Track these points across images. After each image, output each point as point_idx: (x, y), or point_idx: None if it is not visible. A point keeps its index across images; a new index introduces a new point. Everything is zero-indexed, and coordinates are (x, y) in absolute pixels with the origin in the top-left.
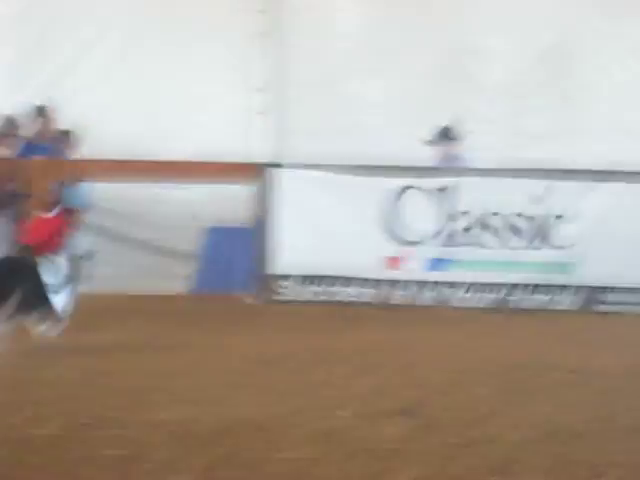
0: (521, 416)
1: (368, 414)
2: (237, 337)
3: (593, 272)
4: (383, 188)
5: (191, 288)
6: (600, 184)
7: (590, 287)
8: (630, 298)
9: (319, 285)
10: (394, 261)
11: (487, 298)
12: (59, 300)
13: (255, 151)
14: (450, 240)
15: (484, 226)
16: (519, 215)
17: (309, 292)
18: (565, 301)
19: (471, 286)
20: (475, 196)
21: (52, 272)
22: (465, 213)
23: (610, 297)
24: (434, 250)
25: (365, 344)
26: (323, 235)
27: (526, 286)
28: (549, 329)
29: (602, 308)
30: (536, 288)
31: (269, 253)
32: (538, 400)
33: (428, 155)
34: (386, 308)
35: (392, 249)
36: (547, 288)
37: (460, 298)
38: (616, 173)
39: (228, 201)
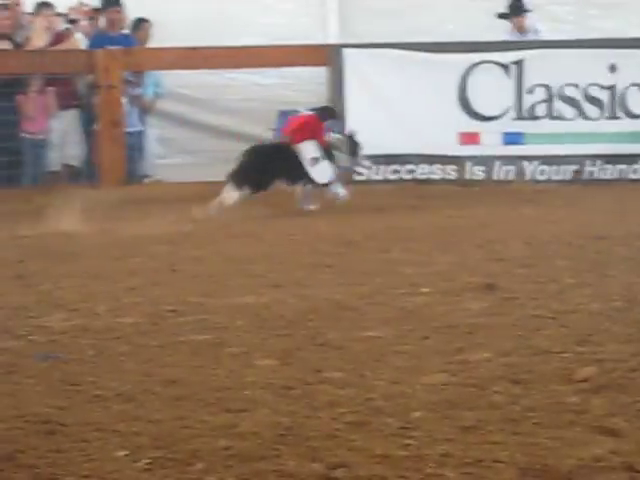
0: (603, 286)
1: (450, 290)
2: (315, 219)
3: None
4: (457, 64)
5: None
6: None
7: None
8: None
9: (396, 164)
10: (470, 137)
11: (565, 170)
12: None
13: (326, 33)
14: (526, 113)
15: (560, 98)
16: (596, 85)
17: (386, 171)
18: None
19: (549, 159)
20: (550, 68)
21: None
22: (541, 85)
23: None
24: (511, 124)
25: (443, 221)
26: (397, 114)
27: (604, 156)
28: (628, 199)
29: None
30: (614, 158)
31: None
32: (619, 269)
33: (501, 29)
34: (463, 184)
35: (468, 125)
36: (625, 157)
37: (538, 171)
38: None
39: (300, 84)
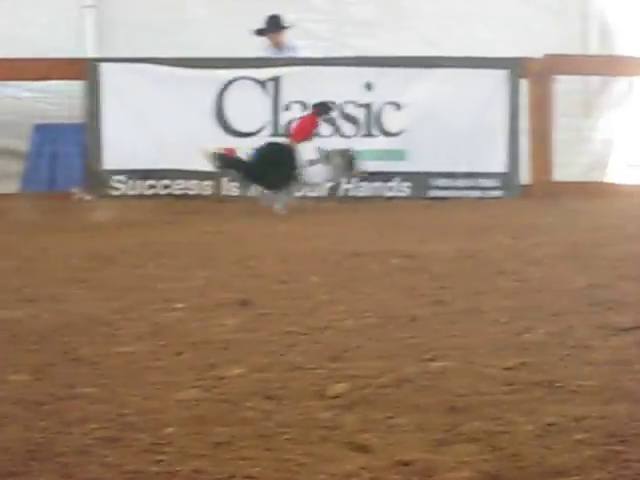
0: (357, 302)
1: (204, 306)
2: (71, 234)
3: (425, 158)
4: (213, 80)
5: (22, 187)
6: (428, 70)
7: (421, 173)
8: (459, 183)
9: (151, 179)
10: (227, 153)
11: (321, 187)
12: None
13: (83, 47)
14: (283, 130)
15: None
16: (352, 103)
17: (142, 186)
18: (397, 188)
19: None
20: (307, 85)
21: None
22: (297, 102)
23: (441, 183)
24: (267, 141)
25: (199, 236)
26: (154, 129)
27: (364, 174)
28: (383, 216)
29: (433, 194)
30: (370, 176)
31: (100, 149)
32: (373, 286)
33: (256, 46)
34: (219, 200)
35: (224, 141)
36: (380, 175)
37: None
38: (443, 59)
39: (57, 98)
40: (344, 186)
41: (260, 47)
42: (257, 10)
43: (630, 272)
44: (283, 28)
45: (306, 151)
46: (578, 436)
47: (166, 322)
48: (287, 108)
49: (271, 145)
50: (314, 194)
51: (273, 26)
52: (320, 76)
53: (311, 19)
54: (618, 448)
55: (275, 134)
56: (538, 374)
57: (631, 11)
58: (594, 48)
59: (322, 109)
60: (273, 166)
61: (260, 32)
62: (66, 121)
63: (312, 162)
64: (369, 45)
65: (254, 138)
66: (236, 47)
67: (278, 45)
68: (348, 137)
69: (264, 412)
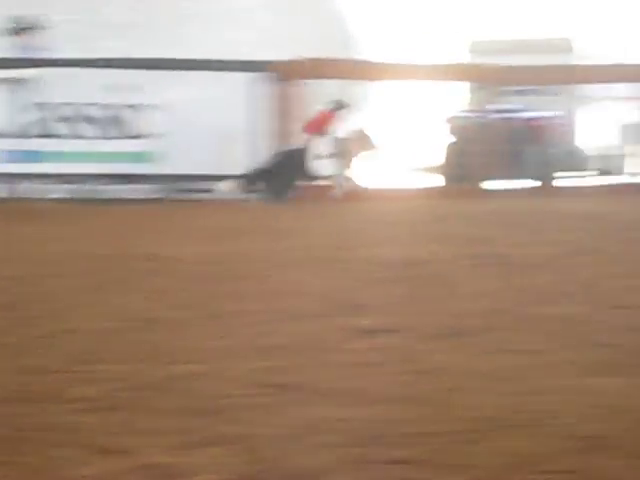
0: (104, 306)
1: None
2: None
3: (175, 161)
4: None
5: None
6: (175, 72)
7: (169, 176)
8: (203, 186)
9: None
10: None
11: (65, 189)
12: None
13: None
14: (27, 132)
15: (57, 117)
16: (99, 105)
17: None
18: (147, 190)
19: (46, 177)
20: (54, 87)
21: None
22: (37, 104)
23: (193, 186)
24: (9, 142)
25: None
26: None
27: (106, 176)
28: (131, 218)
29: (184, 197)
30: (117, 178)
31: None
32: (120, 289)
33: (4, 46)
34: None
35: None
36: (128, 178)
37: (38, 190)
38: (189, 61)
39: None
40: (88, 187)
41: (7, 47)
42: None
43: (375, 276)
44: (31, 29)
45: (317, 145)
46: (324, 438)
47: None
48: (26, 110)
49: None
50: (59, 196)
51: (19, 27)
52: (60, 78)
53: (65, 20)
54: (363, 450)
55: (18, 135)
56: (281, 377)
57: (373, 18)
58: (338, 53)
59: (338, 106)
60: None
61: (8, 32)
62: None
63: (321, 156)
64: (117, 47)
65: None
66: None
67: (26, 46)
68: (92, 139)
69: (6, 416)
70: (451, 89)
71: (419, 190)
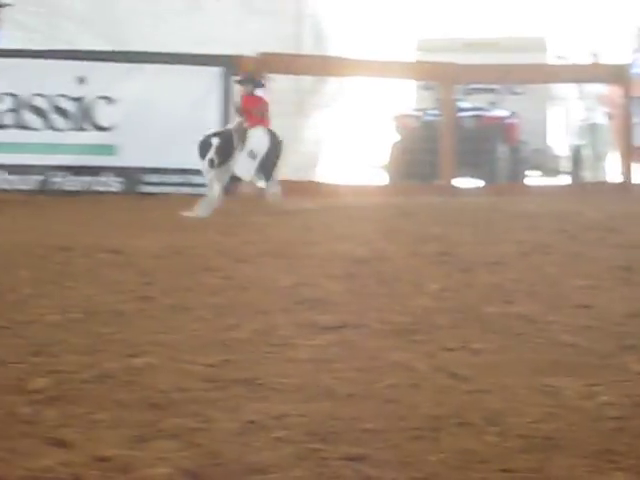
0: (63, 297)
1: None
2: None
3: (136, 154)
4: None
5: None
6: (143, 65)
7: (133, 169)
8: (170, 179)
9: None
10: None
11: (30, 180)
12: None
13: None
14: None
15: (27, 107)
16: (63, 96)
17: None
18: (108, 183)
19: (14, 168)
20: (18, 77)
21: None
22: (8, 95)
23: (152, 178)
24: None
25: None
26: None
27: (69, 168)
28: (92, 211)
29: (144, 189)
30: (80, 170)
31: None
32: (80, 281)
33: None
34: None
35: None
36: (90, 170)
37: (3, 180)
38: (158, 54)
39: None
40: (54, 179)
41: None
42: None
43: (336, 271)
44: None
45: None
46: (278, 434)
47: None
48: None
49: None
50: (23, 187)
51: None
52: (32, 68)
53: (24, 11)
54: (317, 446)
55: None
56: (240, 371)
57: (343, 14)
58: (308, 49)
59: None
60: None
61: None
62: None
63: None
64: (82, 39)
65: None
66: None
67: None
68: (59, 130)
69: None
70: (399, 87)
71: (372, 187)
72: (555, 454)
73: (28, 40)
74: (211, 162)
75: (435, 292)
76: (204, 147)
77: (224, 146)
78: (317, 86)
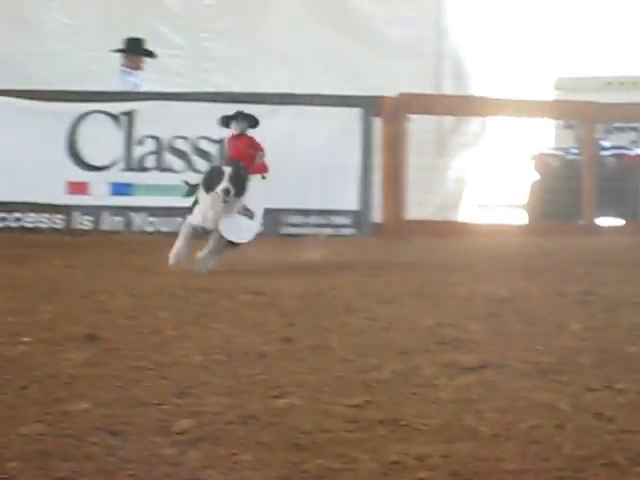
0: (206, 338)
1: (51, 340)
2: None
3: (278, 196)
4: (67, 112)
5: None
6: (283, 107)
7: (274, 210)
8: (309, 220)
9: (2, 212)
10: (79, 186)
11: (173, 222)
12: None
13: None
14: (136, 164)
15: (171, 150)
16: (206, 139)
17: None
18: None
19: (157, 210)
20: (161, 120)
21: None
22: (151, 137)
23: (293, 220)
24: (120, 175)
25: (48, 270)
26: (5, 161)
27: None
28: (236, 252)
29: (286, 231)
30: None
31: None
32: (222, 322)
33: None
34: (71, 234)
35: (77, 174)
36: None
37: (146, 222)
38: (298, 96)
39: None
40: None
41: (115, 69)
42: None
43: (477, 311)
44: (145, 53)
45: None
46: (421, 474)
47: (11, 355)
48: (140, 142)
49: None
50: (166, 229)
51: (135, 48)
52: (173, 111)
53: (167, 54)
54: None
55: (128, 169)
56: (383, 412)
57: (484, 52)
58: (448, 88)
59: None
60: None
61: (120, 51)
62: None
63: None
64: (224, 81)
65: (107, 172)
66: (90, 79)
67: (134, 67)
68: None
69: (108, 447)
70: (539, 126)
71: (512, 226)
72: None
73: (171, 83)
74: (226, 192)
75: (578, 332)
76: (213, 176)
77: (237, 176)
78: (458, 126)
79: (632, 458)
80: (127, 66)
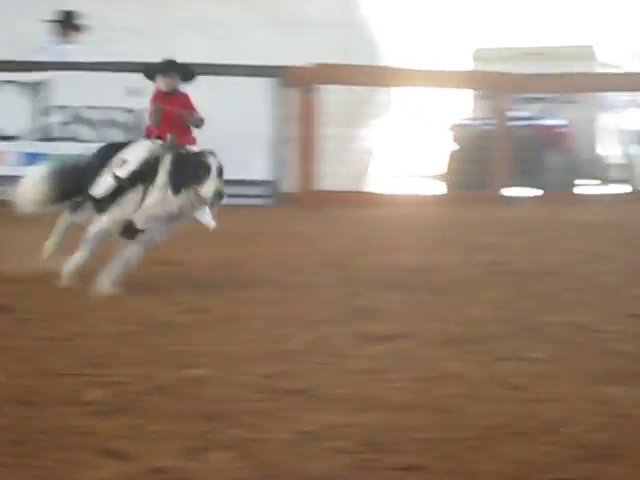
0: (119, 310)
1: None
2: None
3: None
4: None
5: None
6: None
7: None
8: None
9: None
10: None
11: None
12: None
13: None
14: (47, 134)
15: (81, 120)
16: (117, 108)
17: None
18: None
19: None
20: (72, 90)
21: None
22: (62, 107)
23: None
24: (30, 145)
25: None
26: None
27: None
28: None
29: None
30: None
31: None
32: (134, 293)
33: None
34: None
35: None
36: None
37: None
38: (209, 66)
39: None
40: None
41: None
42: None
43: (389, 282)
44: (76, 27)
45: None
46: (333, 444)
47: None
48: (51, 112)
49: None
50: None
51: (68, 20)
52: (84, 80)
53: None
54: (372, 456)
55: (41, 138)
56: (295, 382)
57: (393, 23)
58: (356, 59)
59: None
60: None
61: (54, 21)
62: None
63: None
64: (133, 51)
65: (19, 142)
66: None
67: (66, 40)
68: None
69: (19, 418)
70: (455, 97)
71: (427, 196)
72: (610, 463)
73: (82, 53)
74: (219, 196)
75: (492, 302)
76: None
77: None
78: (369, 96)
79: (542, 427)
80: (59, 37)
